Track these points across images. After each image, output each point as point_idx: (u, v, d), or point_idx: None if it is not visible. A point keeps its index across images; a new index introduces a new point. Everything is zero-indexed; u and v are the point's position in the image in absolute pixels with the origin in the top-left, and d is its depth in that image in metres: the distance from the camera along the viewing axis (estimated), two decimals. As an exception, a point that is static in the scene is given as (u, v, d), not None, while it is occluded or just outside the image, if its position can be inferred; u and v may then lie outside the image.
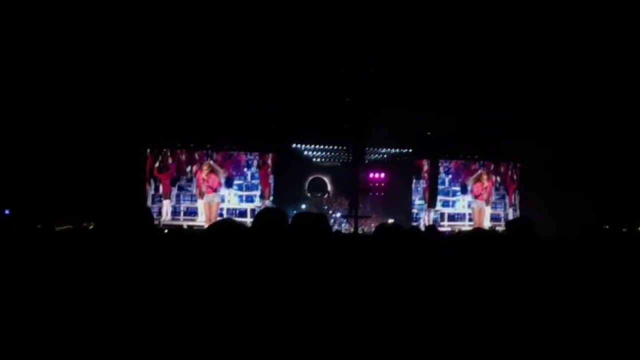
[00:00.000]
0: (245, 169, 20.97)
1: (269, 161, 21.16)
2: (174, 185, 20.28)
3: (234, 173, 20.79)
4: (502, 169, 23.24)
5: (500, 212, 23.04)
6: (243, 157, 21.02)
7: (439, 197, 22.27)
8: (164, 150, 20.23)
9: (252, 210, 20.17)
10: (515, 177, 23.18)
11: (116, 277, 2.40)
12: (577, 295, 2.85)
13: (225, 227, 2.80)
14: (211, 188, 20.41)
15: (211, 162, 20.50)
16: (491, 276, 2.89)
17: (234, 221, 2.91)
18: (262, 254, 2.66)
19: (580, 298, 2.83)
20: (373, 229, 3.82)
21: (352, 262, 3.16)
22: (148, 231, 2.70)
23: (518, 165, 23.12)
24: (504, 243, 3.01)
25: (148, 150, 19.97)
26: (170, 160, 20.29)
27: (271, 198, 20.63)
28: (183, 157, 20.40)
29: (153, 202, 19.80)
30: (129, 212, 2.74)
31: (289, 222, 2.91)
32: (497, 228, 20.98)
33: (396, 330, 2.54)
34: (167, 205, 20.11)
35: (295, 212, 18.79)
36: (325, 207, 22.34)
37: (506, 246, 3.05)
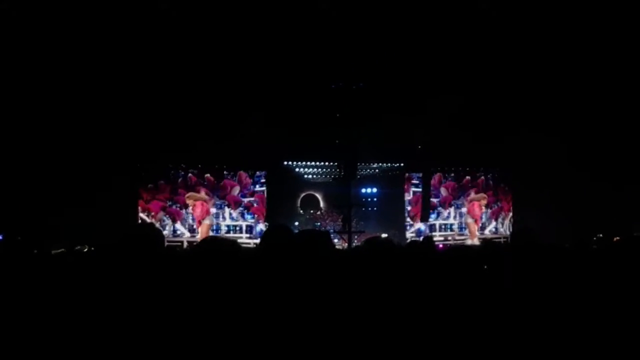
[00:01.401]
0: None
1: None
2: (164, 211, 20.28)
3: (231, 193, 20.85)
4: (494, 183, 23.46)
5: (492, 223, 23.23)
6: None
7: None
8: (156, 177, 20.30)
9: (248, 227, 20.45)
10: (507, 188, 23.40)
11: (123, 295, 2.40)
12: (588, 302, 2.86)
13: (214, 244, 2.81)
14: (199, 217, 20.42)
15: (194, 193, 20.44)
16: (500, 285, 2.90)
17: (222, 239, 2.92)
18: (272, 270, 2.66)
19: (591, 304, 2.84)
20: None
21: (351, 275, 3.17)
22: (158, 250, 2.71)
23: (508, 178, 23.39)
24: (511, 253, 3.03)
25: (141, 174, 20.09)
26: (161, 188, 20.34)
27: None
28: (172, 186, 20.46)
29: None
30: (140, 232, 2.76)
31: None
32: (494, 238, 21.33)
33: (398, 340, 2.54)
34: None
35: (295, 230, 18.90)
36: (319, 224, 22.33)
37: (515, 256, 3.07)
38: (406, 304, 2.73)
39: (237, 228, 20.71)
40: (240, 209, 20.85)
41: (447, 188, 23.01)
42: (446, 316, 2.72)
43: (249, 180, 21.19)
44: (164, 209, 20.21)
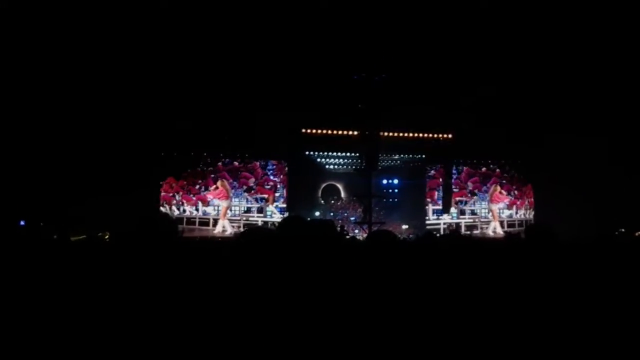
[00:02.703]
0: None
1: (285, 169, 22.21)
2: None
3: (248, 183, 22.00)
4: (514, 175, 23.83)
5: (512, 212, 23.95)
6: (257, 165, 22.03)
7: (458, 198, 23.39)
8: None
9: (259, 209, 21.92)
10: (527, 180, 23.65)
11: (137, 283, 2.44)
12: (600, 296, 2.85)
13: (255, 234, 2.87)
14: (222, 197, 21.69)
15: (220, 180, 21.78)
16: (520, 279, 2.91)
17: (262, 228, 2.99)
18: (288, 258, 2.70)
19: (603, 299, 2.83)
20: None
21: (360, 266, 3.20)
22: (168, 238, 2.75)
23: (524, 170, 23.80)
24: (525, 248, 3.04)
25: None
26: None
27: (275, 204, 22.01)
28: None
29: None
30: (150, 220, 2.81)
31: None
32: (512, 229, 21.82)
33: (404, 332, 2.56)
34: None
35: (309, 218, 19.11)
36: (339, 214, 22.34)
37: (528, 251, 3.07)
38: (403, 298, 2.75)
39: (251, 209, 22.05)
40: (253, 193, 22.06)
41: (472, 182, 23.71)
42: (442, 311, 2.73)
43: (260, 172, 22.12)
44: (194, 194, 21.44)
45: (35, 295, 2.61)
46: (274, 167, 22.15)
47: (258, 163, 22.02)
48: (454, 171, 23.45)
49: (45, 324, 2.39)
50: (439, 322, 2.65)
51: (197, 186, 21.47)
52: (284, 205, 21.95)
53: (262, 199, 21.95)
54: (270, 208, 21.93)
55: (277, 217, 21.50)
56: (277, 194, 22.08)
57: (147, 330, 2.30)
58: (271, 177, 22.13)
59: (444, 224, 22.61)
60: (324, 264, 2.73)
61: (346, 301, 2.57)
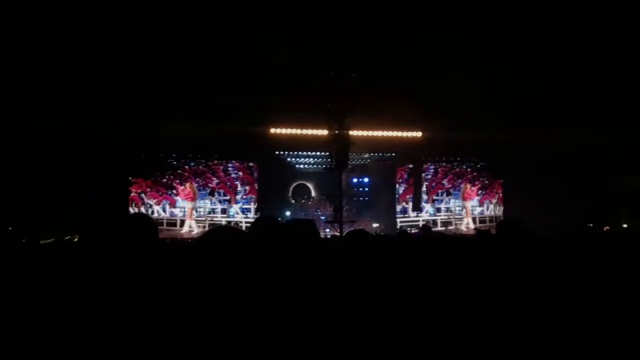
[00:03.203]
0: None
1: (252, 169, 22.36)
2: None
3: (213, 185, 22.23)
4: (483, 172, 24.33)
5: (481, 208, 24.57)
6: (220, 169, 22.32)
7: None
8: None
9: (223, 210, 22.06)
10: (496, 177, 24.14)
11: (117, 286, 2.41)
12: (576, 293, 2.90)
13: (222, 233, 2.84)
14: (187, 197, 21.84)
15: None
16: (491, 276, 2.94)
17: (231, 227, 2.97)
18: (259, 258, 2.69)
19: (579, 296, 2.88)
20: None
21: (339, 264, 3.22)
22: (150, 239, 2.72)
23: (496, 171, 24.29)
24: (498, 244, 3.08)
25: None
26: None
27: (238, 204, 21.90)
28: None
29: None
30: (131, 221, 2.79)
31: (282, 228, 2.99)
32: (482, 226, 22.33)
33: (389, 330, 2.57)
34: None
35: (281, 218, 19.24)
36: (310, 213, 22.36)
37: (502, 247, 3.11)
38: (382, 298, 2.76)
39: (216, 210, 22.18)
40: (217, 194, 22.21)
41: (448, 180, 24.38)
42: (420, 310, 2.75)
43: (222, 172, 22.30)
44: (162, 194, 21.54)
45: (17, 300, 2.56)
46: (235, 167, 22.23)
47: (221, 163, 22.15)
48: (431, 169, 23.77)
49: (25, 328, 2.35)
50: (418, 321, 2.66)
51: (166, 187, 21.51)
52: (248, 206, 21.98)
53: (225, 200, 22.03)
54: (234, 208, 22.01)
55: (240, 218, 21.56)
56: (238, 195, 22.20)
57: (128, 334, 2.28)
58: (233, 177, 22.26)
59: (423, 220, 22.91)
60: (306, 264, 2.74)
61: (329, 301, 2.58)
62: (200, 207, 21.82)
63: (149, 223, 2.88)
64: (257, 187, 22.14)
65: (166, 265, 2.70)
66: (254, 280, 2.52)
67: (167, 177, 21.54)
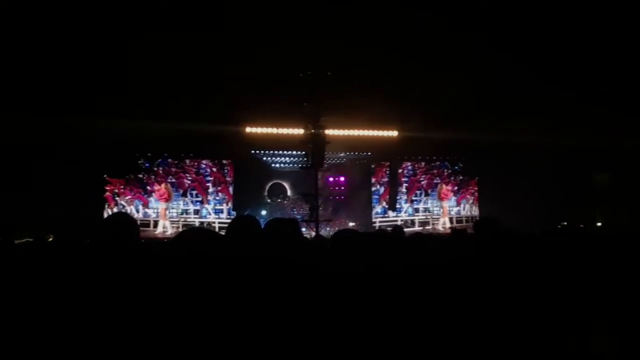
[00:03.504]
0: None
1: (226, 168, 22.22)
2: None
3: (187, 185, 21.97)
4: (459, 172, 24.64)
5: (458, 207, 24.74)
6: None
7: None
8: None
9: (195, 211, 21.79)
10: (472, 176, 24.35)
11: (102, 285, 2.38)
12: (547, 287, 2.92)
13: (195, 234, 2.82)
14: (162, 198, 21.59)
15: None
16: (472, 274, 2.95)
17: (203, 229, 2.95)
18: (238, 257, 2.67)
19: (550, 290, 2.90)
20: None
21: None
22: (132, 237, 2.71)
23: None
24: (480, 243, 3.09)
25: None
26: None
27: (211, 205, 21.98)
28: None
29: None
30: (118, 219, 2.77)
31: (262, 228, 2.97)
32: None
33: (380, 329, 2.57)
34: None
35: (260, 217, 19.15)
36: (286, 212, 22.31)
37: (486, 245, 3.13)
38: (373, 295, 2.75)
39: (188, 211, 21.89)
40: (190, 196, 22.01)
41: (426, 179, 24.48)
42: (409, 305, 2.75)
43: (194, 172, 22.08)
44: (135, 194, 21.26)
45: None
46: (208, 166, 22.11)
47: (193, 165, 22.01)
48: (409, 169, 23.91)
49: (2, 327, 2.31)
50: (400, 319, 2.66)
51: (139, 187, 21.30)
52: (221, 207, 21.88)
53: (197, 201, 21.88)
54: (207, 208, 21.92)
55: (212, 218, 21.51)
56: (210, 196, 22.06)
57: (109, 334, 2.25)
58: (206, 177, 22.10)
59: (401, 220, 22.98)
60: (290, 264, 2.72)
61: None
62: (173, 208, 21.58)
63: (131, 221, 2.90)
64: (231, 187, 21.99)
65: (146, 264, 2.67)
66: (233, 281, 2.49)
67: (142, 176, 21.28)
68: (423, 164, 24.20)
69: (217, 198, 22.02)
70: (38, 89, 16.04)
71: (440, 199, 24.28)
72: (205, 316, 2.35)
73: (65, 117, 16.17)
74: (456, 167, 24.51)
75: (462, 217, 24.20)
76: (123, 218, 3.03)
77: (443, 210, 24.29)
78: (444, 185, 24.25)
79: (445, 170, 24.47)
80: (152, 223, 21.17)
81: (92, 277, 2.51)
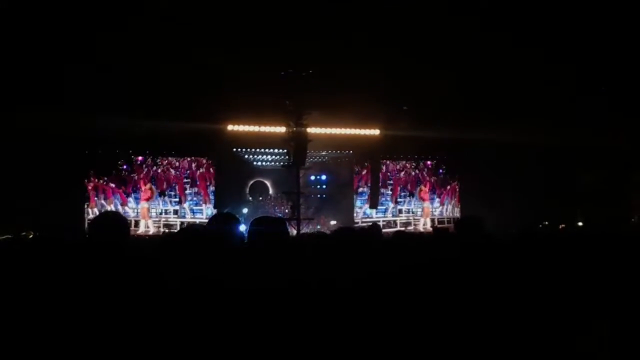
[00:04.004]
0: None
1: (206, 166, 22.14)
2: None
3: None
4: (440, 172, 24.68)
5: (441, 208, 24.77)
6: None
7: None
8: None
9: (175, 211, 21.64)
10: (453, 175, 24.45)
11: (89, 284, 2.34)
12: (531, 289, 2.91)
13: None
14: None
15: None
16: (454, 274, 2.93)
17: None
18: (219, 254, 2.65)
19: (532, 291, 2.89)
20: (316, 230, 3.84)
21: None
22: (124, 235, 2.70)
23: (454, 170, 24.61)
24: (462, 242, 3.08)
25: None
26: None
27: (188, 204, 21.94)
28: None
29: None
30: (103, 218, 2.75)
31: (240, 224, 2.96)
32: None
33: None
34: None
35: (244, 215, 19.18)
36: (268, 210, 22.28)
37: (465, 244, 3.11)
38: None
39: (168, 211, 21.73)
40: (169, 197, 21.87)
41: (407, 179, 24.56)
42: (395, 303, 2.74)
43: (173, 172, 21.99)
44: (115, 193, 21.08)
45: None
46: (187, 164, 22.04)
47: (170, 163, 21.89)
48: (392, 168, 23.96)
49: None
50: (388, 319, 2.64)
51: (119, 186, 21.15)
52: (200, 207, 21.83)
53: (175, 202, 21.77)
54: (185, 208, 21.83)
55: (189, 218, 21.47)
56: (189, 197, 22.01)
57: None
58: (185, 175, 22.03)
59: (383, 221, 22.97)
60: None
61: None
62: (152, 208, 21.46)
63: (122, 221, 2.91)
64: (210, 185, 21.93)
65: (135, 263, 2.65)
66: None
67: (123, 175, 21.13)
68: (405, 163, 24.21)
69: (195, 199, 21.95)
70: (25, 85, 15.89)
71: (421, 199, 24.28)
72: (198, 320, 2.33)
73: (47, 112, 16.00)
74: (440, 170, 24.53)
75: (443, 217, 24.23)
76: (115, 217, 3.01)
77: (424, 210, 24.29)
78: (423, 187, 24.27)
79: (426, 169, 24.47)
80: (133, 222, 20.90)
81: (84, 277, 2.48)
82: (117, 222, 2.88)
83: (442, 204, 24.59)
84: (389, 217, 23.58)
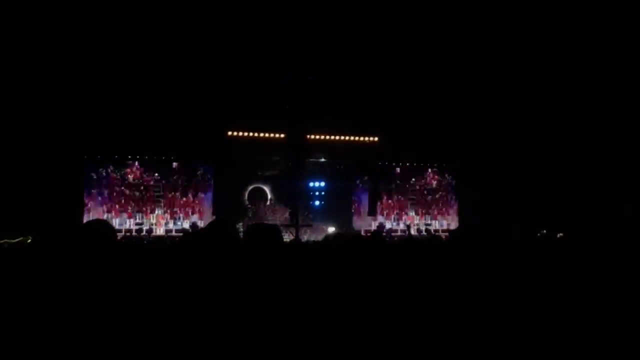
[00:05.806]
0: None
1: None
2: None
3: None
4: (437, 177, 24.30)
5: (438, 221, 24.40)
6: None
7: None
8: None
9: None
10: (447, 183, 24.29)
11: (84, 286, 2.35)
12: (526, 296, 2.91)
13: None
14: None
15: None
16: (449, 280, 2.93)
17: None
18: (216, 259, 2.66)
19: (530, 299, 2.89)
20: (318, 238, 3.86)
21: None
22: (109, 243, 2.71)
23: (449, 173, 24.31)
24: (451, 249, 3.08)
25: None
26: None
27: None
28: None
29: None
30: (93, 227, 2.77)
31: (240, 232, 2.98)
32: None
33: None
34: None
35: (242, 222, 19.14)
36: (266, 217, 22.24)
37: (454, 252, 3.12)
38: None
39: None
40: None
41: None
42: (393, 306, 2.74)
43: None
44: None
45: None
46: (187, 170, 21.92)
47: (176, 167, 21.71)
48: (390, 174, 23.89)
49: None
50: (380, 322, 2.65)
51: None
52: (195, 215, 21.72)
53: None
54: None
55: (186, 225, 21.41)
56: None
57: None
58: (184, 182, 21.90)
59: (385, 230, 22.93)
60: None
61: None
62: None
63: (108, 229, 2.92)
64: (211, 192, 21.88)
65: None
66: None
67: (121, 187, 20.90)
68: (404, 169, 24.04)
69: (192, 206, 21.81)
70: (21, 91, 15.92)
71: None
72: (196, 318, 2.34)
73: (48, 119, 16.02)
74: (439, 174, 24.43)
75: (438, 228, 24.05)
76: (102, 225, 3.02)
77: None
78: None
79: (424, 180, 24.29)
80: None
81: (82, 277, 2.50)
82: (102, 231, 2.88)
83: (439, 214, 24.36)
84: (388, 226, 23.44)
